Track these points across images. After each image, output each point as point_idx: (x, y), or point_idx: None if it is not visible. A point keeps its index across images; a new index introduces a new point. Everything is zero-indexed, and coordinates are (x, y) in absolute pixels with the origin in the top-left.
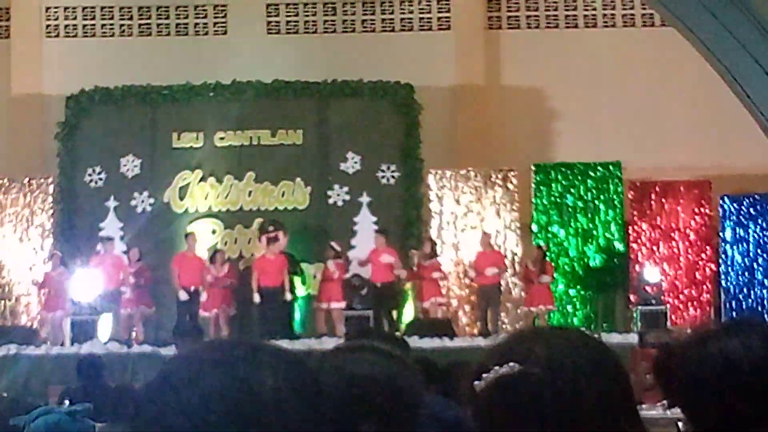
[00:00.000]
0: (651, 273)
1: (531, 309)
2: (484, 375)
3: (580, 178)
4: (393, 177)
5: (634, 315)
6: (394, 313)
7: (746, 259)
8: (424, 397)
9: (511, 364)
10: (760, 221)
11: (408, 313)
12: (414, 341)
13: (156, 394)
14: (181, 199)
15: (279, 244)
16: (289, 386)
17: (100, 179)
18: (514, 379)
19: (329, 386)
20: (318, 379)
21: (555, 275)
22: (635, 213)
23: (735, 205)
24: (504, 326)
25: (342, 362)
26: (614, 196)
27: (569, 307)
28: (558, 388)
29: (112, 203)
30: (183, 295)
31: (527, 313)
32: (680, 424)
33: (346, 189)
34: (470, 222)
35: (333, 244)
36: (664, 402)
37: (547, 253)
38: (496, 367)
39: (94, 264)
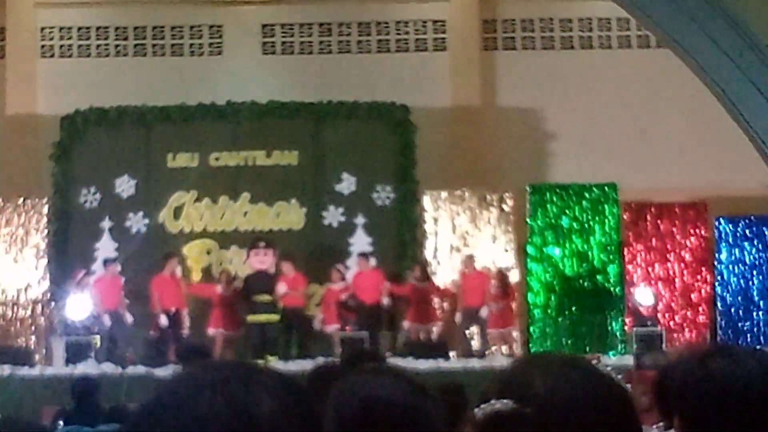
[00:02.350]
0: (644, 295)
1: (494, 330)
2: (483, 405)
3: (575, 199)
4: (388, 198)
5: (630, 337)
6: (388, 335)
7: (742, 281)
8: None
9: (505, 401)
10: (756, 243)
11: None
12: (409, 362)
13: (151, 416)
14: (176, 219)
15: (290, 267)
16: (286, 410)
17: (95, 200)
18: (507, 416)
19: (340, 409)
20: (314, 403)
21: (529, 296)
22: (631, 234)
23: (731, 226)
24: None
25: (358, 384)
26: (610, 218)
27: (564, 329)
28: (552, 429)
29: (106, 224)
30: (163, 319)
31: (492, 335)
32: None
33: (341, 210)
34: (466, 243)
35: (339, 267)
36: (661, 424)
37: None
38: (493, 400)
39: (94, 284)
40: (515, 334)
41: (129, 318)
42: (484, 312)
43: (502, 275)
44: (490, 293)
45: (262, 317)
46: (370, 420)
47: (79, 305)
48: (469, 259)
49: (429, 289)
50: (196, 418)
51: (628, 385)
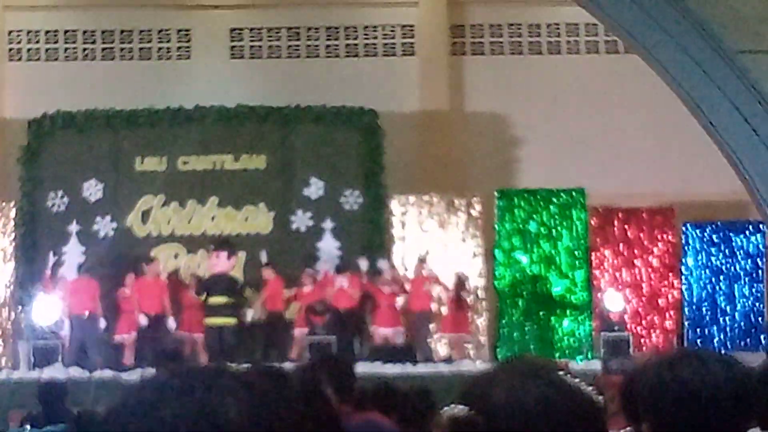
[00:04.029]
0: (613, 300)
1: (446, 335)
2: (445, 408)
3: (543, 204)
4: (356, 202)
5: (598, 342)
6: (357, 339)
7: (709, 286)
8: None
9: (460, 407)
10: (722, 248)
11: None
12: (376, 367)
13: (117, 422)
14: (144, 223)
15: (270, 272)
16: (251, 414)
17: (63, 203)
18: (462, 422)
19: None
20: (278, 407)
21: (496, 301)
22: (598, 239)
23: (698, 231)
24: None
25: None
26: (577, 223)
27: (531, 333)
28: None
29: (74, 228)
30: (143, 320)
31: (450, 339)
32: None
33: (309, 214)
34: (433, 248)
35: (309, 272)
36: (629, 429)
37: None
38: (452, 405)
39: (67, 288)
40: (482, 339)
41: (102, 323)
42: (428, 317)
43: (458, 281)
44: (435, 297)
45: (219, 320)
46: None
47: (47, 309)
48: (419, 263)
49: (390, 294)
50: (161, 424)
51: (600, 398)
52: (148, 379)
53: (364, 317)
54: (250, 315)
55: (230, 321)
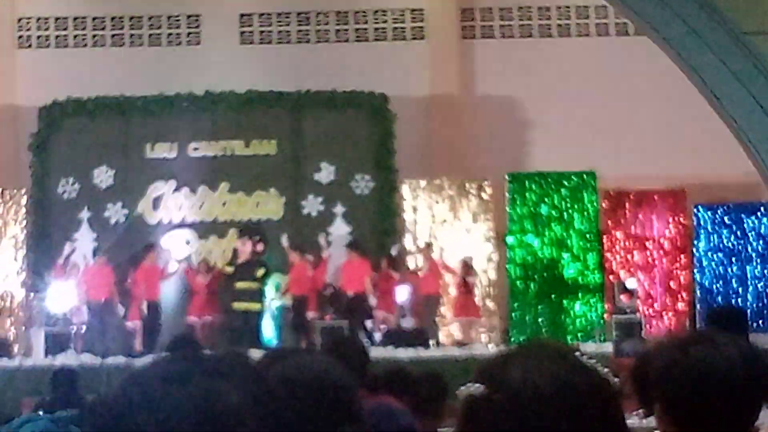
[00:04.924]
0: (628, 282)
1: (456, 319)
2: (461, 387)
3: (554, 187)
4: (367, 187)
5: (609, 324)
6: (368, 323)
7: (721, 268)
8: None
9: (477, 385)
10: (734, 230)
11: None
12: (389, 351)
13: (119, 409)
14: (155, 209)
15: (296, 255)
16: (253, 402)
17: (74, 190)
18: (478, 400)
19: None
20: (276, 392)
21: (508, 284)
22: (610, 222)
23: (709, 213)
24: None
25: (278, 367)
26: (589, 206)
27: (543, 316)
28: (518, 416)
29: (85, 214)
30: (145, 309)
31: (461, 323)
32: None
33: (320, 199)
34: (445, 232)
35: (308, 256)
36: (640, 411)
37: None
38: (468, 384)
39: (83, 275)
40: (494, 322)
41: (120, 309)
42: (440, 300)
43: (464, 265)
44: (445, 282)
45: (244, 305)
46: (297, 399)
47: (61, 296)
48: (428, 248)
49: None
50: (163, 412)
51: (616, 380)
52: (150, 367)
53: (369, 301)
54: (275, 300)
55: (255, 306)
